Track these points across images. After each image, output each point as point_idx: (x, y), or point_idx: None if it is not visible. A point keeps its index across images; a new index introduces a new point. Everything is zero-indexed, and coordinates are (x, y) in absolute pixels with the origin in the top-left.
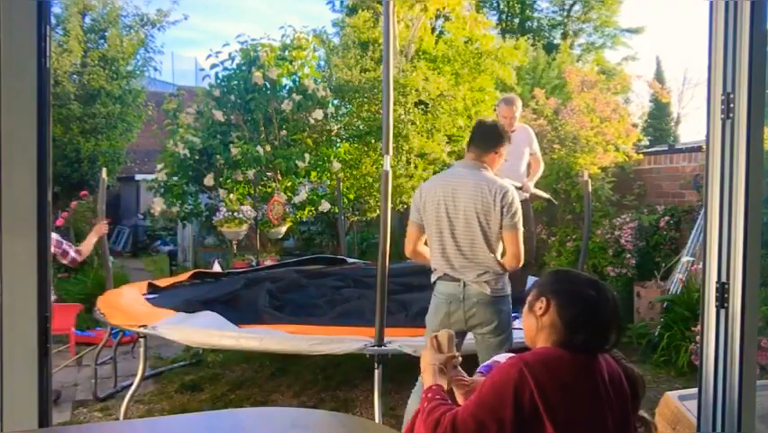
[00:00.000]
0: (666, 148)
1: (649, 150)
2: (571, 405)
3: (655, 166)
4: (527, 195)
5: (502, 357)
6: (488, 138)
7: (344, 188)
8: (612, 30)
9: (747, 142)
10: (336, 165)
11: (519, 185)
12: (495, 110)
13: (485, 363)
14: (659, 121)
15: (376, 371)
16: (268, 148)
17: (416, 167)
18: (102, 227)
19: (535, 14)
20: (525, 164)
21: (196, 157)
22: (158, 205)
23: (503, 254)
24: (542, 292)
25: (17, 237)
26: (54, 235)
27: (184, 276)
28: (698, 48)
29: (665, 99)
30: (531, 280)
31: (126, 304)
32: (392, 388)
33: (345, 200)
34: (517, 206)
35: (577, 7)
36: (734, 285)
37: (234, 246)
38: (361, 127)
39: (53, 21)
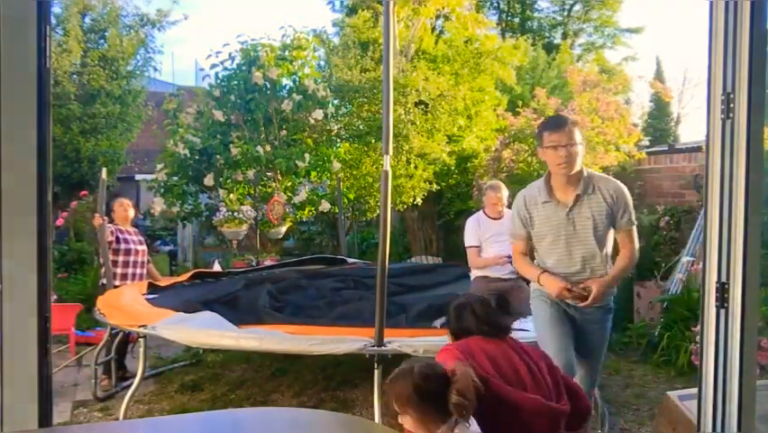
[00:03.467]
0: (666, 148)
1: (649, 150)
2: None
3: (655, 166)
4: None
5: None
6: None
7: (344, 188)
8: (612, 30)
9: (747, 142)
10: (336, 165)
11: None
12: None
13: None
14: (659, 121)
15: (376, 371)
16: (268, 148)
17: (416, 167)
18: (97, 220)
19: (535, 14)
20: None
21: (196, 157)
22: (158, 205)
23: None
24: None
25: (17, 237)
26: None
27: (184, 276)
28: (698, 48)
29: (668, 99)
30: None
31: (126, 304)
32: None
33: (345, 200)
34: None
35: (577, 7)
36: (734, 285)
37: (234, 246)
38: (361, 127)
39: (53, 21)
